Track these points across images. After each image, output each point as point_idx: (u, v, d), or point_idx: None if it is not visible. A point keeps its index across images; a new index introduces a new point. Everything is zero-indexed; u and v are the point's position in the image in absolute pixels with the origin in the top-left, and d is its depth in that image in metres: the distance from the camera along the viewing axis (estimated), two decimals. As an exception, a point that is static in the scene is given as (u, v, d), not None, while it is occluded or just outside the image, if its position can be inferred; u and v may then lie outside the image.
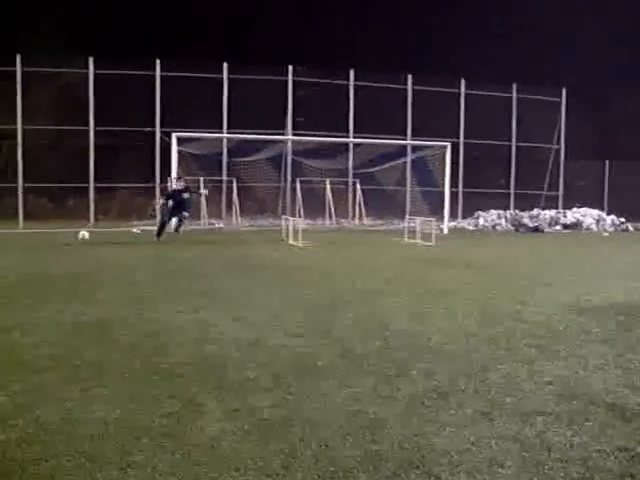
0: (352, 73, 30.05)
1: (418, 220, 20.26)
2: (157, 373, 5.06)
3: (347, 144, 29.76)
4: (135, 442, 3.72)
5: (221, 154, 28.31)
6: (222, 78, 28.43)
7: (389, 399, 4.50)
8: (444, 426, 4.01)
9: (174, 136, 22.24)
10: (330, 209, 29.47)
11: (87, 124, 27.11)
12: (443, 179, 25.23)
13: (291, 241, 18.16)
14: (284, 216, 21.47)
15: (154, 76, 27.62)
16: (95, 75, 27.13)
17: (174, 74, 27.40)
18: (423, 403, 4.42)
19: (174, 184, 19.82)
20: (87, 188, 27.03)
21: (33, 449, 3.61)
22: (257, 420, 4.09)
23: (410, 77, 31.06)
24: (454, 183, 29.02)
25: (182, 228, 19.41)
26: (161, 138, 26.94)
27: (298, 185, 28.87)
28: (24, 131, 26.59)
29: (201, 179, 27.16)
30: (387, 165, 29.64)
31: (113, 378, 4.92)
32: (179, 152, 22.84)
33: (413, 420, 4.11)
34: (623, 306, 8.29)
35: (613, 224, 29.40)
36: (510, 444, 3.74)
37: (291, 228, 18.73)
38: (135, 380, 4.87)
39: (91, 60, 27.03)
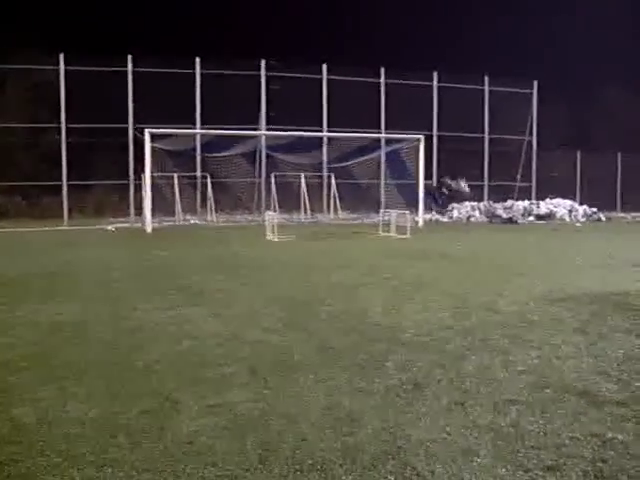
0: (325, 67, 30.01)
1: (393, 213, 20.32)
2: (134, 370, 5.06)
3: (321, 138, 29.74)
4: (112, 440, 3.72)
5: (195, 150, 28.17)
6: (195, 73, 28.26)
7: (365, 392, 4.54)
8: (420, 417, 4.06)
9: (147, 132, 22.06)
10: (305, 203, 29.46)
11: (59, 121, 26.82)
12: (417, 172, 25.27)
13: (267, 236, 18.14)
14: (268, 212, 21.44)
15: (126, 72, 27.38)
16: (66, 72, 26.81)
17: (146, 70, 27.16)
18: (399, 395, 4.46)
19: (462, 184, 20.91)
20: (60, 186, 26.76)
21: (9, 449, 3.60)
22: (234, 415, 4.11)
23: (383, 70, 31.09)
24: (428, 175, 29.08)
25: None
26: (134, 135, 26.72)
27: (273, 180, 28.82)
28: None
29: (175, 175, 27.02)
30: (361, 159, 29.68)
31: (90, 377, 4.90)
32: (153, 148, 22.68)
33: (389, 412, 4.15)
34: (596, 295, 8.39)
35: (585, 214, 29.69)
36: (485, 433, 3.80)
37: (267, 223, 18.70)
38: (112, 378, 4.86)
39: (62, 57, 26.72)
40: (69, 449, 3.60)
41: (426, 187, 21.64)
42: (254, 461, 3.44)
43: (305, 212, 29.38)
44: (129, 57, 27.34)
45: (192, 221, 26.66)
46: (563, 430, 3.84)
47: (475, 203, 29.88)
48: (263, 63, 29.06)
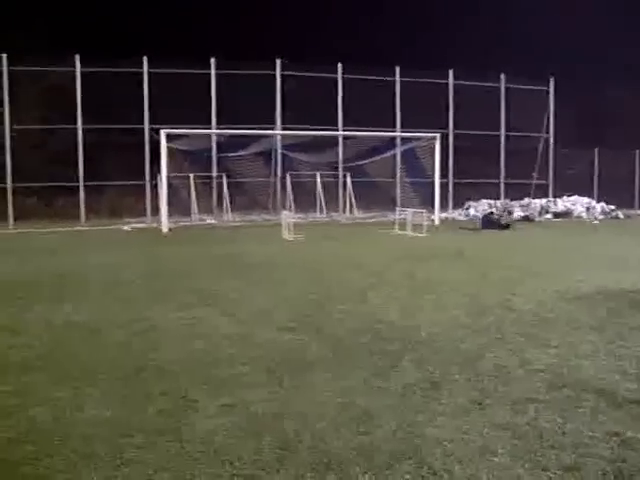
0: (340, 66, 29.97)
1: (409, 212, 20.25)
2: (148, 370, 5.07)
3: (337, 137, 29.71)
4: (128, 440, 3.73)
5: (211, 150, 28.23)
6: (210, 73, 28.31)
7: (381, 390, 4.52)
8: (436, 416, 4.03)
9: (163, 133, 22.13)
10: (321, 202, 29.45)
11: (75, 123, 26.95)
12: (433, 170, 25.20)
13: (283, 235, 18.14)
14: (284, 211, 21.47)
15: (142, 73, 27.47)
16: (82, 73, 26.94)
17: (161, 70, 27.23)
18: (415, 393, 4.44)
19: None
20: (77, 187, 26.88)
21: (26, 449, 3.61)
22: (250, 415, 4.10)
23: (398, 69, 31.01)
24: (444, 174, 28.94)
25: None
26: (150, 135, 26.80)
27: (288, 179, 28.82)
28: (12, 131, 26.40)
29: (191, 175, 27.10)
30: (377, 157, 29.61)
31: (105, 377, 4.91)
32: (169, 149, 22.75)
33: (405, 411, 4.13)
34: (613, 294, 8.32)
35: (603, 212, 29.45)
36: (502, 432, 3.77)
37: (283, 222, 18.72)
38: (126, 378, 4.87)
39: (77, 58, 26.85)
40: (85, 449, 3.61)
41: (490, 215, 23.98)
42: (270, 460, 3.44)
43: (321, 211, 29.37)
44: (144, 58, 27.44)
45: (208, 221, 26.71)
46: (582, 429, 3.80)
47: (492, 201, 29.72)
48: (278, 62, 29.07)
